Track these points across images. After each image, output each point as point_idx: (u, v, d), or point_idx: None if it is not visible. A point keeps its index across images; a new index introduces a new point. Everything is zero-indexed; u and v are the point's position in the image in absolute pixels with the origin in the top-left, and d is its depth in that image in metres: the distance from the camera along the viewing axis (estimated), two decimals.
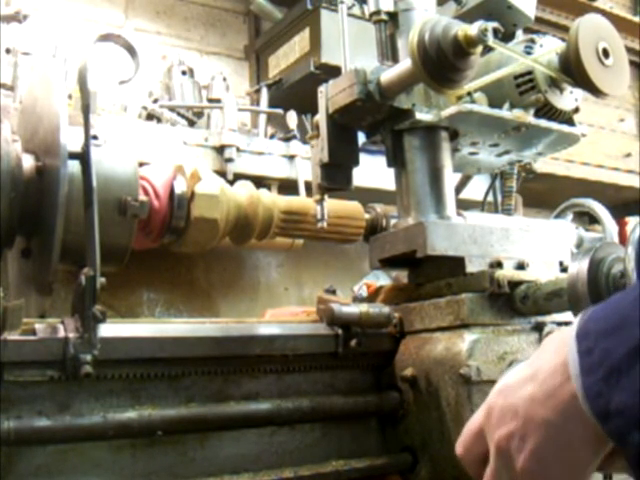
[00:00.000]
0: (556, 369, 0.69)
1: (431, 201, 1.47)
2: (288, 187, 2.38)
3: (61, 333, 1.11)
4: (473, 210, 1.91)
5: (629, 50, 3.35)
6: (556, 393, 0.68)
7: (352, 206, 1.97)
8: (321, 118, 1.46)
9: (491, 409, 0.77)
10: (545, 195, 3.12)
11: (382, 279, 2.09)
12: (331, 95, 1.44)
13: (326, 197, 1.53)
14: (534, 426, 0.70)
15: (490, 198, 2.35)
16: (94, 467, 1.14)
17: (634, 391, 0.60)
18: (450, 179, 1.50)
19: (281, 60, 2.88)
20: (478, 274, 1.35)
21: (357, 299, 1.62)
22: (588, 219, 2.88)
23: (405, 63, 1.33)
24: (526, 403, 0.71)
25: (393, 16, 1.51)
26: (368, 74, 1.38)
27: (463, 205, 1.84)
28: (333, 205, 1.90)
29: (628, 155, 3.49)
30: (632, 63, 3.55)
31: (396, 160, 1.49)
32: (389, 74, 1.38)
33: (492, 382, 1.19)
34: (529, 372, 0.74)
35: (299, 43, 2.76)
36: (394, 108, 1.42)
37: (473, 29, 1.19)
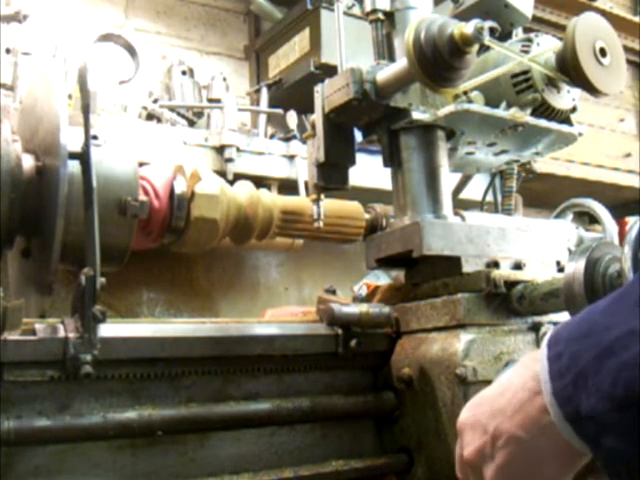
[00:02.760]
0: (525, 383, 0.69)
1: (427, 201, 1.46)
2: (288, 187, 2.38)
3: (61, 333, 1.11)
4: (473, 210, 1.91)
5: (629, 50, 3.36)
6: (525, 407, 0.68)
7: (352, 206, 1.97)
8: (317, 117, 1.46)
9: (463, 426, 0.77)
10: (545, 195, 3.12)
11: (382, 279, 2.09)
12: (327, 94, 1.43)
13: (322, 197, 1.53)
14: (503, 441, 0.70)
15: (491, 198, 2.35)
16: (94, 467, 1.14)
17: (603, 395, 0.59)
18: (447, 179, 1.50)
19: (281, 60, 2.88)
20: (474, 274, 1.35)
21: (357, 299, 1.62)
22: (588, 219, 2.88)
23: (401, 62, 1.33)
24: (495, 418, 0.71)
25: (389, 15, 1.51)
26: (364, 73, 1.38)
27: (463, 205, 1.84)
28: (333, 205, 1.90)
29: (628, 155, 3.49)
30: (632, 63, 3.55)
31: (392, 160, 1.49)
32: (385, 73, 1.37)
33: (488, 382, 1.20)
34: (499, 388, 0.74)
35: (299, 43, 2.76)
36: (390, 107, 1.41)
37: (469, 28, 1.19)
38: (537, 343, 1.34)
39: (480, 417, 0.74)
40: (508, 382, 0.72)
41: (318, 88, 1.46)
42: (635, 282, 0.65)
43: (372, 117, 1.45)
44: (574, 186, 3.19)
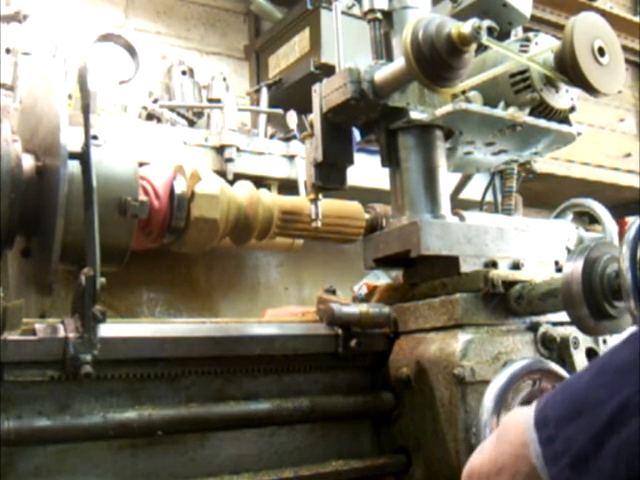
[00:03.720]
0: (519, 468, 0.67)
1: (425, 200, 1.46)
2: (288, 187, 2.38)
3: (61, 333, 1.11)
4: (473, 210, 1.91)
5: (628, 50, 3.36)
6: None
7: (352, 206, 1.97)
8: (315, 117, 1.46)
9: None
10: (545, 195, 3.12)
11: (382, 279, 2.09)
12: (325, 94, 1.43)
13: (321, 196, 1.52)
14: None
15: (491, 198, 2.35)
16: (94, 467, 1.14)
17: (604, 476, 0.59)
18: (444, 178, 1.50)
19: (281, 60, 2.88)
20: (472, 274, 1.35)
21: (357, 299, 1.62)
22: (588, 219, 2.88)
23: (399, 62, 1.33)
24: None
25: (388, 15, 1.51)
26: (362, 73, 1.38)
27: (463, 205, 1.84)
28: (333, 205, 1.90)
29: (628, 155, 3.49)
30: (632, 63, 3.55)
31: (390, 159, 1.49)
32: (383, 73, 1.37)
33: (486, 382, 1.20)
34: (494, 466, 0.72)
35: (299, 43, 2.76)
36: (388, 107, 1.42)
37: (467, 27, 1.19)
38: (535, 343, 1.34)
39: (478, 476, 0.74)
40: (502, 462, 0.71)
41: (316, 88, 1.46)
42: (613, 351, 0.64)
43: (370, 117, 1.45)
44: (574, 186, 3.19)
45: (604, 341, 1.39)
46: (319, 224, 1.53)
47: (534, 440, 0.65)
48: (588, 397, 0.63)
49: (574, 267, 1.20)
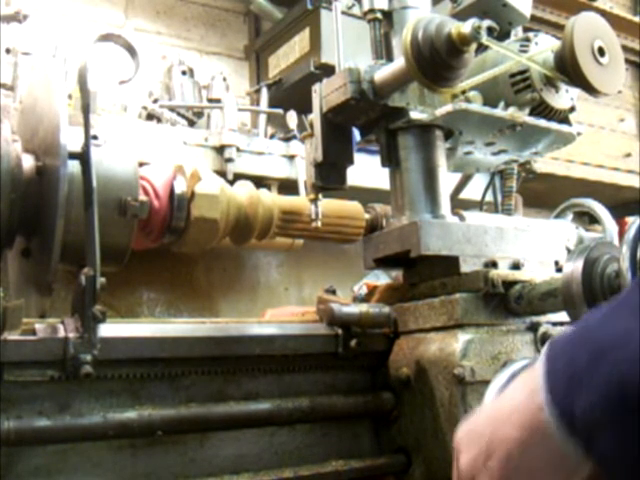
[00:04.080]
0: (524, 386, 0.68)
1: (425, 200, 1.46)
2: (288, 187, 2.38)
3: (61, 333, 1.11)
4: (473, 210, 1.91)
5: (629, 50, 3.36)
6: (521, 407, 0.66)
7: (352, 206, 1.97)
8: (315, 117, 1.46)
9: (459, 439, 0.75)
10: (545, 195, 3.12)
11: (382, 279, 2.09)
12: (325, 94, 1.43)
13: (320, 196, 1.52)
14: (497, 444, 0.68)
15: (491, 198, 2.35)
16: (94, 467, 1.14)
17: (597, 393, 0.58)
18: (444, 178, 1.50)
19: (281, 60, 2.88)
20: (472, 274, 1.34)
21: (357, 299, 1.62)
22: (588, 219, 2.89)
23: (399, 62, 1.33)
24: (491, 424, 0.70)
25: (387, 15, 1.51)
26: (362, 73, 1.37)
27: (463, 205, 1.84)
28: (333, 205, 1.90)
29: (628, 155, 3.49)
30: (632, 63, 3.55)
31: (390, 159, 1.49)
32: (383, 73, 1.37)
33: (486, 382, 1.19)
34: (498, 398, 0.72)
35: (299, 43, 2.76)
36: (388, 107, 1.41)
37: (466, 27, 1.19)
38: (535, 343, 1.33)
39: (476, 426, 0.73)
40: (507, 391, 0.71)
41: (316, 88, 1.46)
42: (633, 289, 0.64)
43: (370, 117, 1.45)
44: (574, 186, 3.19)
45: None
46: (319, 224, 1.53)
47: (542, 359, 0.65)
48: (596, 324, 0.63)
49: (574, 267, 1.20)
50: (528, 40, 1.50)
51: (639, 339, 0.57)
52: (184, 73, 2.75)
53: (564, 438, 0.62)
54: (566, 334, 0.66)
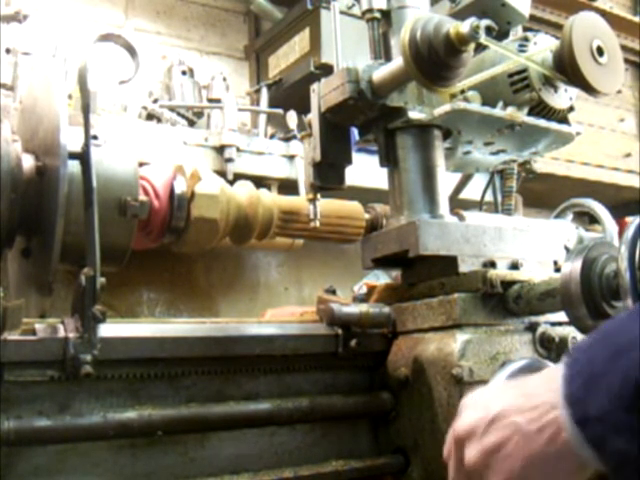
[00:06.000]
0: (543, 381, 0.69)
1: (423, 200, 1.46)
2: (288, 187, 2.38)
3: (61, 333, 1.11)
4: (473, 210, 1.91)
5: (628, 50, 3.36)
6: (536, 399, 0.67)
7: (352, 206, 1.98)
8: (313, 117, 1.46)
9: (464, 405, 0.77)
10: (545, 195, 3.12)
11: (382, 279, 2.09)
12: (323, 94, 1.43)
13: (319, 196, 1.52)
14: (502, 424, 0.69)
15: (491, 198, 2.35)
16: (94, 467, 1.14)
17: (612, 394, 0.59)
18: (443, 178, 1.50)
19: (281, 60, 2.88)
20: (471, 274, 1.34)
21: (357, 299, 1.62)
22: (588, 219, 2.89)
23: (397, 61, 1.33)
24: (502, 402, 0.71)
25: (386, 14, 1.50)
26: (360, 72, 1.37)
27: (463, 205, 1.84)
28: (333, 205, 1.90)
29: (628, 155, 3.49)
30: (632, 63, 3.55)
31: (389, 159, 1.48)
32: (381, 72, 1.37)
33: (484, 382, 1.20)
34: (518, 384, 0.74)
35: (299, 43, 2.76)
36: (386, 107, 1.41)
37: (465, 26, 1.19)
38: (534, 343, 1.33)
39: (484, 398, 0.74)
40: (527, 381, 0.73)
41: (314, 87, 1.46)
42: None
43: (368, 116, 1.45)
44: (574, 186, 3.19)
45: None
46: (317, 224, 1.53)
47: (563, 362, 0.67)
48: (616, 329, 0.64)
49: (572, 267, 1.20)
50: (527, 40, 1.50)
51: None
52: (184, 73, 2.75)
53: (576, 439, 0.63)
54: (589, 336, 0.67)
